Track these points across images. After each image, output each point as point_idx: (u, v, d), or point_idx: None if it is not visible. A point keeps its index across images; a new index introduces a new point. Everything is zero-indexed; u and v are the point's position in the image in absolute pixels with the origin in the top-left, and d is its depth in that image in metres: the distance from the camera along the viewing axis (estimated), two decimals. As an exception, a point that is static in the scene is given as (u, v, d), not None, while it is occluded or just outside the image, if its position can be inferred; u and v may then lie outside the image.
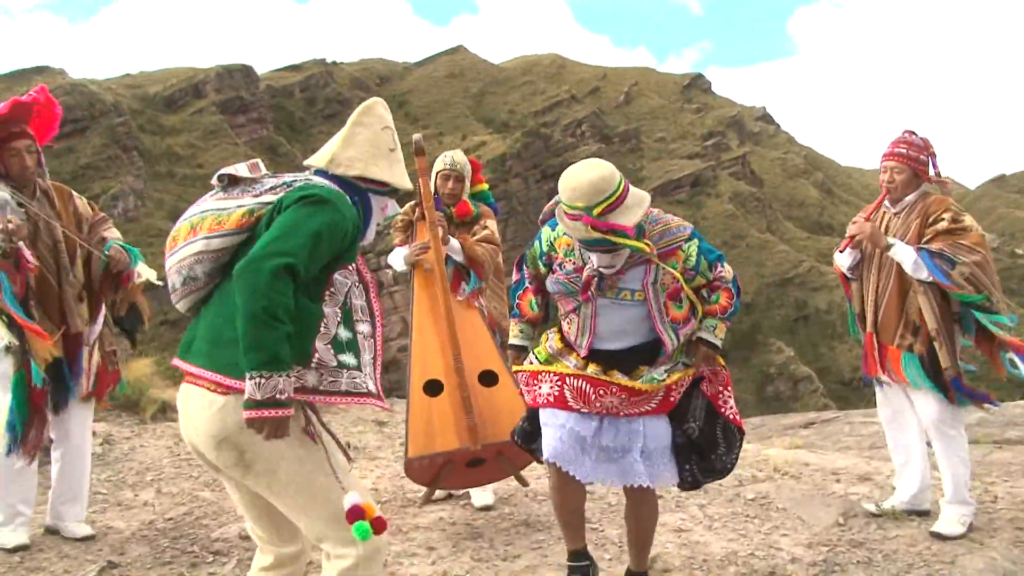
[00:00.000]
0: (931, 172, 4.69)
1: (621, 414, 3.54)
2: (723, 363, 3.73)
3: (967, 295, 4.45)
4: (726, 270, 3.66)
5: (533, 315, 3.93)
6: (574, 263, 3.56)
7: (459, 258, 5.05)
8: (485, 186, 5.54)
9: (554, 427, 3.55)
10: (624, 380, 3.52)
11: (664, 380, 3.55)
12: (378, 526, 2.63)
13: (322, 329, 2.70)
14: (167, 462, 5.97)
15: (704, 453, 3.65)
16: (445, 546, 4.54)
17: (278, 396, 2.47)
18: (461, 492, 5.34)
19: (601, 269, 3.44)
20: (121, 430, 6.70)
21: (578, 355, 3.63)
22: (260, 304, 2.46)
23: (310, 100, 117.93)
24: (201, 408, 2.64)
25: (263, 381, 2.46)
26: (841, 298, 4.99)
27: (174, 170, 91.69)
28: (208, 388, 2.64)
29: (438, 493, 5.27)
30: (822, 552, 4.51)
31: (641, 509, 3.76)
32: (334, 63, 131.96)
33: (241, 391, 2.52)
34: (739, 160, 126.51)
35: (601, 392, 3.52)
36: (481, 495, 5.21)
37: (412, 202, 5.33)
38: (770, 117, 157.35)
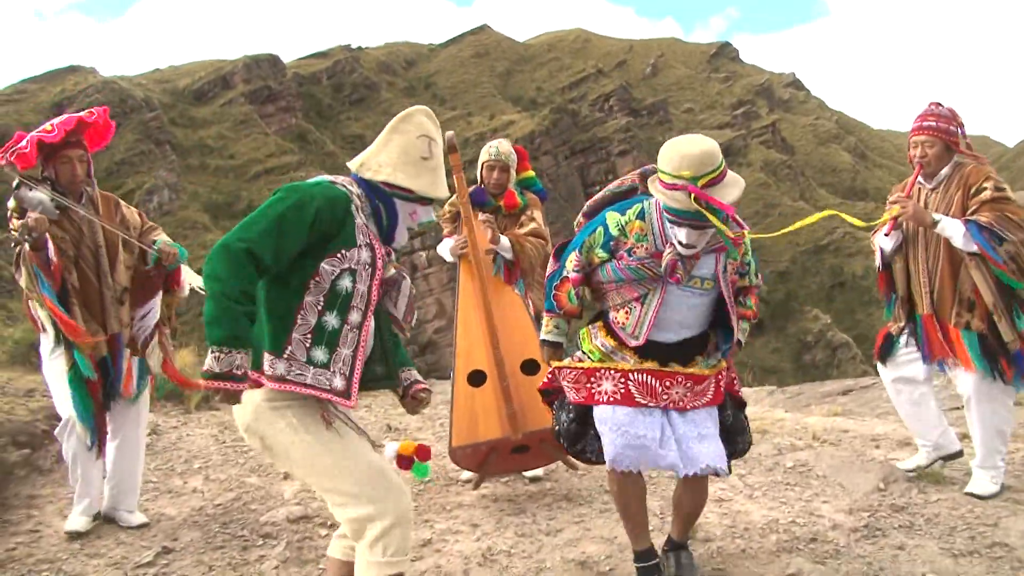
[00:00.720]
0: (962, 144, 4.62)
1: (687, 407, 3.56)
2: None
3: (1010, 278, 4.40)
4: (758, 275, 3.80)
5: (570, 307, 3.79)
6: (647, 248, 3.50)
7: (509, 256, 5.08)
8: (532, 173, 5.54)
9: (615, 431, 3.48)
10: (685, 369, 3.56)
11: (718, 366, 3.63)
12: (422, 455, 3.01)
13: (299, 320, 2.82)
14: (213, 449, 6.10)
15: (731, 438, 3.71)
16: (489, 522, 4.62)
17: (235, 371, 2.63)
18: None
19: (682, 249, 3.40)
20: (168, 420, 6.85)
21: (632, 351, 3.59)
22: (219, 286, 2.63)
23: (337, 86, 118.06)
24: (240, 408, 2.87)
25: (222, 356, 2.61)
26: (901, 269, 4.90)
27: (206, 162, 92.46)
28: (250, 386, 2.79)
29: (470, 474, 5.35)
30: (863, 517, 4.52)
31: (699, 493, 3.78)
32: (360, 48, 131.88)
33: (256, 385, 2.77)
34: (769, 128, 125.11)
35: (667, 383, 3.54)
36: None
37: (448, 203, 5.38)
38: (800, 83, 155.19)
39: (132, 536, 4.49)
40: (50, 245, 4.21)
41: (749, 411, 7.32)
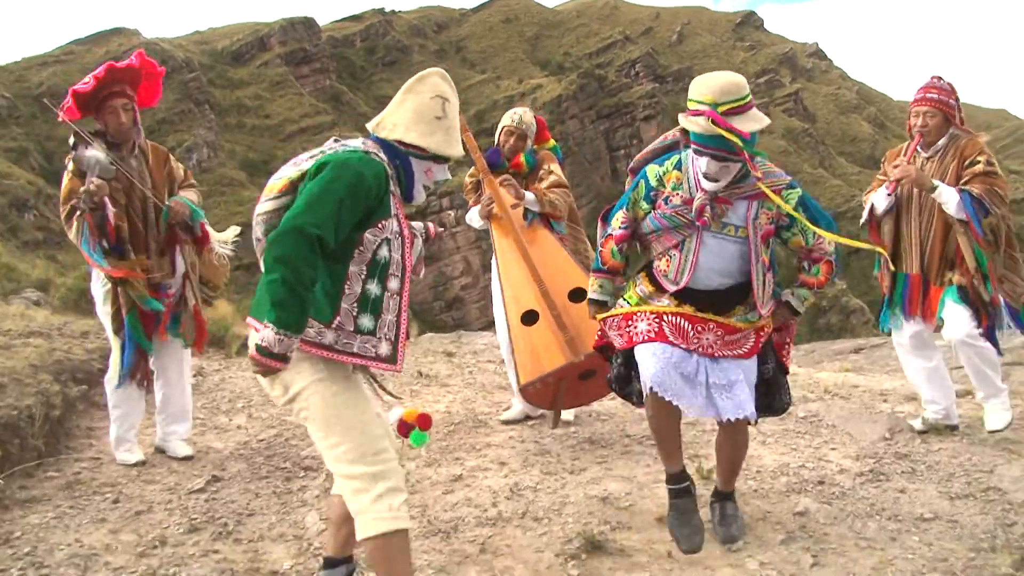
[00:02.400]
0: (958, 118, 4.86)
1: (718, 354, 3.61)
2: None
3: (980, 249, 4.70)
4: (827, 242, 3.68)
5: (614, 263, 3.92)
6: (682, 196, 3.61)
7: (536, 208, 5.29)
8: (552, 142, 5.75)
9: (654, 357, 3.57)
10: (720, 318, 3.63)
11: (756, 322, 3.66)
12: (423, 423, 3.04)
13: (346, 290, 2.94)
14: (255, 391, 6.43)
15: (771, 392, 3.83)
16: (516, 461, 4.90)
17: (288, 353, 2.79)
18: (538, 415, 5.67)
19: (706, 183, 3.50)
20: (211, 363, 7.22)
21: (671, 296, 3.69)
22: (289, 272, 2.70)
23: (370, 49, 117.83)
24: None
25: (283, 339, 2.74)
26: (890, 230, 5.17)
27: (243, 121, 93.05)
28: (255, 332, 2.97)
29: (514, 414, 5.64)
30: (868, 463, 4.77)
31: (737, 438, 3.86)
32: (392, 12, 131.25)
33: None
34: (792, 97, 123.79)
35: (699, 328, 3.61)
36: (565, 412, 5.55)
37: (472, 172, 5.63)
38: (822, 53, 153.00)
39: (184, 466, 4.83)
40: (108, 206, 4.46)
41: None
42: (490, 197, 5.33)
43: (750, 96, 3.45)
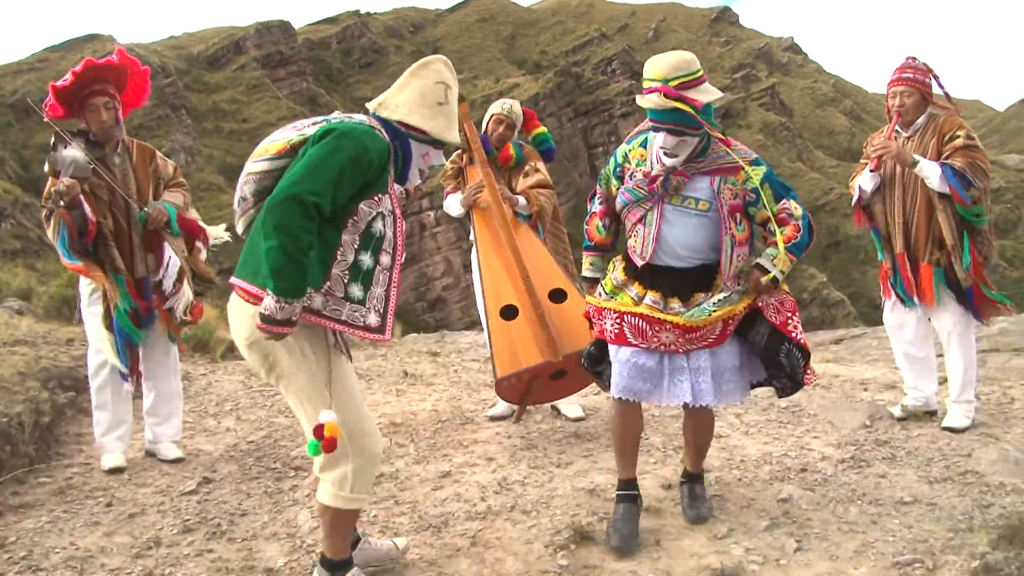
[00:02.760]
0: (936, 91, 4.95)
1: (680, 351, 3.71)
2: (787, 290, 3.81)
3: (967, 209, 4.77)
4: (793, 206, 3.67)
5: (601, 239, 4.07)
6: (644, 171, 3.73)
7: (527, 211, 5.38)
8: (543, 128, 5.83)
9: (619, 363, 3.77)
10: (678, 318, 3.64)
11: (715, 312, 3.63)
12: (327, 447, 2.98)
13: (338, 257, 2.98)
14: (242, 394, 6.48)
15: (773, 361, 3.78)
16: (503, 456, 4.97)
17: (292, 318, 2.85)
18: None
19: (664, 157, 3.60)
20: (197, 368, 7.25)
21: (639, 284, 3.77)
22: (287, 239, 2.76)
23: (347, 51, 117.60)
24: (238, 313, 3.05)
25: (284, 306, 2.81)
26: (881, 211, 5.26)
27: (221, 126, 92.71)
28: (243, 297, 3.02)
29: (500, 410, 5.70)
30: (850, 450, 4.87)
31: (700, 422, 4.02)
32: (368, 14, 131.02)
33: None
34: (768, 91, 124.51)
35: (656, 329, 3.69)
36: (571, 408, 5.65)
37: (458, 150, 5.63)
38: (798, 47, 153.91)
39: (174, 468, 4.86)
40: (84, 204, 4.48)
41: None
42: (477, 186, 5.37)
43: (701, 71, 3.55)
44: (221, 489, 4.56)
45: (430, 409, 6.00)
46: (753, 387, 4.00)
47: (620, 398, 3.79)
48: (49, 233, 4.56)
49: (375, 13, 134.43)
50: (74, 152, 4.48)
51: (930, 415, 5.31)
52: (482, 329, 5.65)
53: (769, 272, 3.64)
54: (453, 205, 5.57)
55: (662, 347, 3.72)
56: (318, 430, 2.98)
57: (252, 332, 2.99)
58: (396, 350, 8.45)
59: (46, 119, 4.52)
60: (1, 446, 4.40)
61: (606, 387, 4.03)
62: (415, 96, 3.18)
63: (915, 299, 5.09)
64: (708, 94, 3.54)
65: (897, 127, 5.06)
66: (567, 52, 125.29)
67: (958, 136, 4.80)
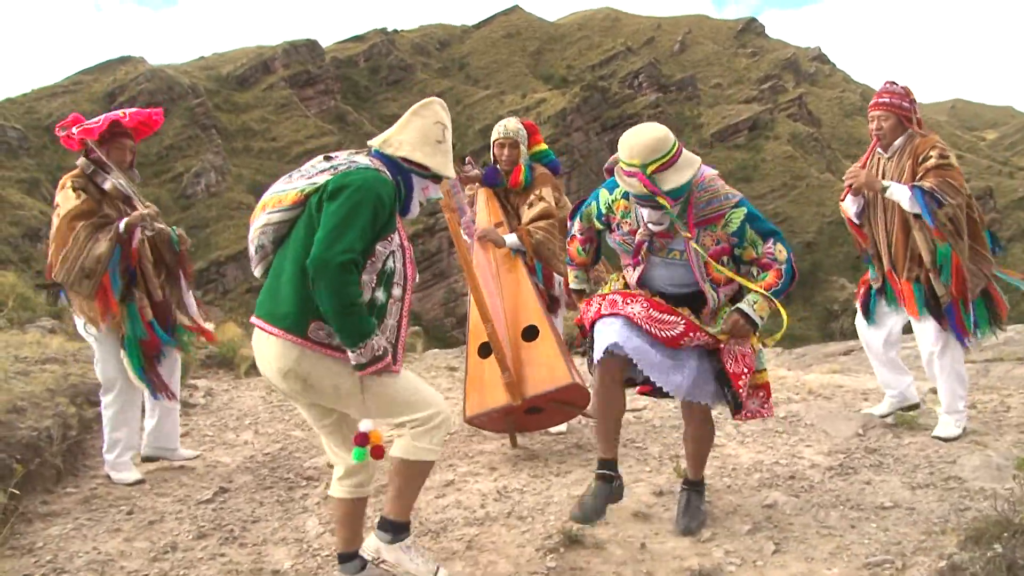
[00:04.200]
0: (914, 119, 5.11)
1: (643, 326, 3.77)
2: (756, 342, 3.95)
3: (938, 243, 4.94)
4: (778, 249, 3.81)
5: (581, 260, 4.32)
6: (630, 225, 3.92)
7: (519, 248, 5.45)
8: (544, 146, 5.81)
9: (615, 323, 3.79)
10: (695, 319, 3.83)
11: (716, 331, 3.85)
12: (376, 454, 3.34)
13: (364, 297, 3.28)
14: (261, 408, 6.76)
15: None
16: (506, 466, 5.18)
17: (377, 353, 3.18)
18: None
19: (651, 225, 3.80)
20: (220, 384, 7.55)
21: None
22: (340, 300, 3.08)
23: (374, 69, 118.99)
24: (267, 348, 3.32)
25: (362, 351, 3.15)
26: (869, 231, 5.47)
27: (250, 145, 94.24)
28: (268, 333, 3.29)
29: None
30: (839, 458, 5.04)
31: (704, 428, 4.18)
32: (395, 31, 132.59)
33: (290, 339, 3.22)
34: (796, 101, 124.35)
35: (628, 300, 3.85)
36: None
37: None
38: (825, 57, 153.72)
39: (193, 478, 5.14)
40: (137, 233, 4.85)
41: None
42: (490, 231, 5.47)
43: (676, 145, 3.67)
44: (236, 498, 4.81)
45: (439, 422, 6.20)
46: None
47: (606, 353, 3.77)
48: (101, 249, 4.73)
49: (402, 30, 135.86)
50: (121, 182, 4.89)
51: (915, 408, 5.51)
52: None
53: (750, 317, 3.82)
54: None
55: (631, 316, 3.80)
56: (361, 438, 3.31)
57: (285, 362, 3.26)
58: (415, 365, 8.71)
59: (78, 136, 4.84)
60: (31, 458, 4.68)
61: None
62: (417, 135, 3.46)
63: (902, 306, 5.28)
64: (687, 169, 3.67)
65: (879, 149, 5.25)
66: (593, 66, 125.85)
67: (931, 156, 4.96)
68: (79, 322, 5.00)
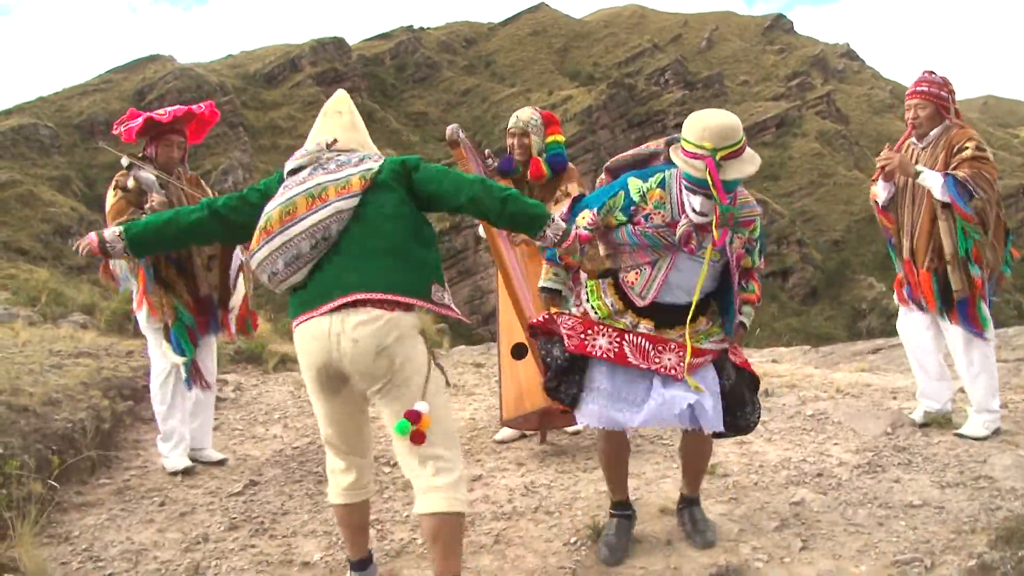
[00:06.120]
0: (951, 109, 5.06)
1: (680, 376, 3.64)
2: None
3: (972, 227, 4.89)
4: (761, 263, 3.93)
5: (572, 262, 3.97)
6: (664, 217, 3.64)
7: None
8: (560, 138, 5.58)
9: (597, 393, 3.71)
10: (682, 339, 3.68)
11: (718, 339, 3.78)
12: (416, 439, 3.19)
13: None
14: (290, 403, 6.82)
15: (732, 410, 3.78)
16: (532, 462, 5.21)
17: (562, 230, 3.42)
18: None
19: (695, 217, 3.56)
20: (249, 379, 7.62)
21: (632, 312, 3.74)
22: (510, 197, 3.36)
23: (400, 66, 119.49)
24: (366, 324, 3.20)
25: (551, 225, 3.40)
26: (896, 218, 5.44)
27: (277, 142, 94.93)
28: (379, 307, 3.20)
29: (507, 435, 5.69)
30: (867, 456, 5.02)
31: (699, 448, 4.00)
32: (421, 29, 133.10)
33: (405, 309, 3.23)
34: (824, 98, 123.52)
35: (660, 349, 3.67)
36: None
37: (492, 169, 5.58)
38: (854, 53, 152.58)
39: (223, 472, 5.21)
40: None
41: (781, 368, 7.76)
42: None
43: (743, 138, 3.52)
44: (266, 491, 4.87)
45: (468, 418, 6.26)
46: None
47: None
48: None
49: (428, 28, 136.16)
50: (148, 174, 4.93)
51: (948, 421, 5.43)
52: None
53: (746, 327, 3.89)
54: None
55: (662, 369, 3.66)
56: (414, 415, 3.17)
57: (385, 338, 3.18)
58: (442, 361, 8.72)
59: (116, 132, 4.95)
60: (66, 449, 4.76)
61: (561, 402, 3.89)
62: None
63: (924, 304, 5.24)
64: (750, 164, 3.53)
65: (913, 139, 5.22)
66: (620, 63, 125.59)
67: (967, 148, 4.91)
68: (140, 315, 5.11)
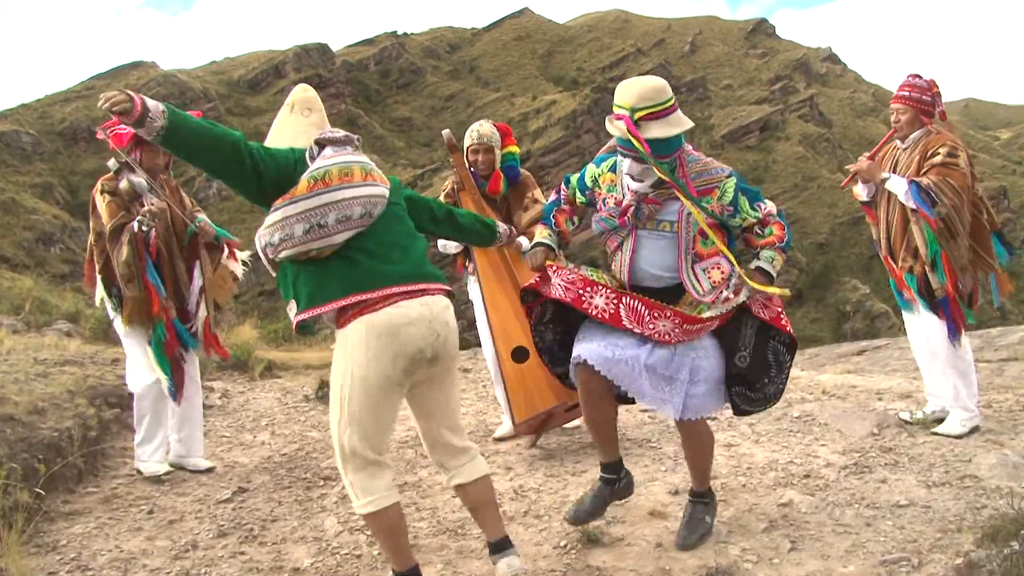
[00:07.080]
0: (935, 112, 5.15)
1: (672, 341, 3.65)
2: (776, 291, 3.74)
3: (932, 235, 4.98)
4: (769, 205, 3.76)
5: (566, 229, 4.05)
6: (616, 198, 3.76)
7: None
8: (515, 149, 5.57)
9: (603, 341, 3.66)
10: (677, 306, 3.66)
11: (721, 308, 3.68)
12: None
13: None
14: (277, 410, 6.81)
15: (751, 383, 3.81)
16: (522, 466, 5.21)
17: None
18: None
19: (632, 182, 3.63)
20: (235, 386, 7.60)
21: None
22: None
23: (384, 72, 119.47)
24: (447, 309, 3.40)
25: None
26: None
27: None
28: (445, 295, 3.42)
29: (506, 431, 5.78)
30: (854, 457, 5.05)
31: (694, 438, 3.96)
32: (405, 34, 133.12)
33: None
34: (807, 102, 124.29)
35: (656, 315, 3.63)
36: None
37: (451, 179, 5.53)
38: (836, 57, 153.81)
39: (211, 479, 5.18)
40: (154, 230, 4.89)
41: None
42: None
43: (672, 100, 3.57)
44: (255, 498, 4.86)
45: (455, 422, 6.24)
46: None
47: (587, 373, 3.68)
48: (123, 256, 4.83)
49: (412, 34, 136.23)
50: (138, 178, 4.94)
51: (940, 421, 5.47)
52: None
53: (769, 273, 3.72)
54: (450, 243, 5.44)
55: (655, 335, 3.64)
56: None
57: (452, 319, 3.42)
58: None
59: (111, 147, 4.93)
60: (52, 458, 4.73)
61: (570, 386, 3.97)
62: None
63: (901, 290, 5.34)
64: (673, 126, 3.56)
65: (897, 140, 5.32)
66: (604, 68, 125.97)
67: (938, 153, 5.01)
68: (116, 321, 5.09)
